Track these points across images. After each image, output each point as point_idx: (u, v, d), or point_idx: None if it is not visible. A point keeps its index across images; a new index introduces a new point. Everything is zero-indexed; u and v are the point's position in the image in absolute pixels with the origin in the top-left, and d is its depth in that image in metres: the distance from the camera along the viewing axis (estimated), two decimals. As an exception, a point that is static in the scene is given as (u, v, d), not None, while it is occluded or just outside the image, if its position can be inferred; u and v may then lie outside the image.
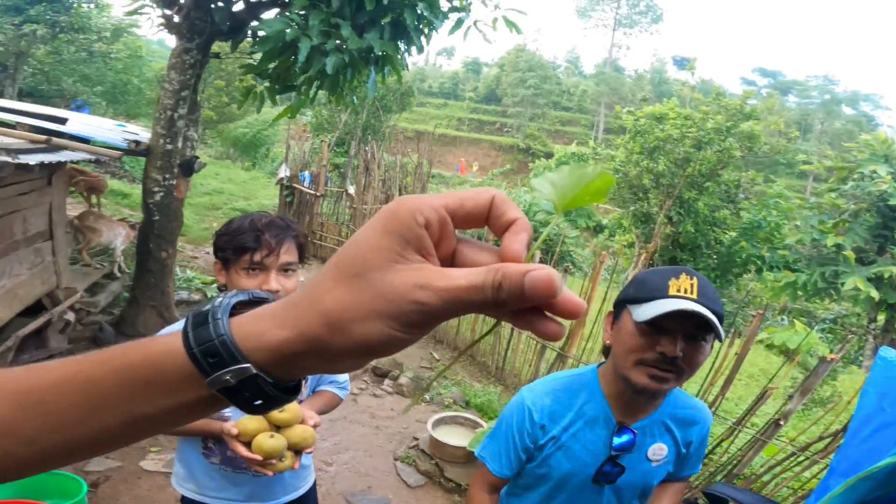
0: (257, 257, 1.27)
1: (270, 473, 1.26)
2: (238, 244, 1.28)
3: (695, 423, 1.24)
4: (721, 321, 1.06)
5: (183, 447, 1.44)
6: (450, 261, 0.32)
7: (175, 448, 1.55)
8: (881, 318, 10.23)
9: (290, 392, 0.33)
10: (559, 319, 0.31)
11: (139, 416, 0.32)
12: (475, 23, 4.08)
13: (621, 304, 1.15)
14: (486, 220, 0.32)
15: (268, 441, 1.24)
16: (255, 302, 0.35)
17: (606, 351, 1.21)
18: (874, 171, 10.05)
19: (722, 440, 2.99)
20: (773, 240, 12.49)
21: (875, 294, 9.07)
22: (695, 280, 1.08)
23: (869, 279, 9.30)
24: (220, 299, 0.34)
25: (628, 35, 56.31)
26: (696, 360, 1.07)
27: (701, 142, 12.52)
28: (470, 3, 4.09)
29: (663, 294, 1.05)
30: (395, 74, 4.14)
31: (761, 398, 2.80)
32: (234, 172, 15.99)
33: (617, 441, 1.15)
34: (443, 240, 0.31)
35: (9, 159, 2.49)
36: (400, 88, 16.57)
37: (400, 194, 7.42)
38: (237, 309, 0.34)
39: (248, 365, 0.30)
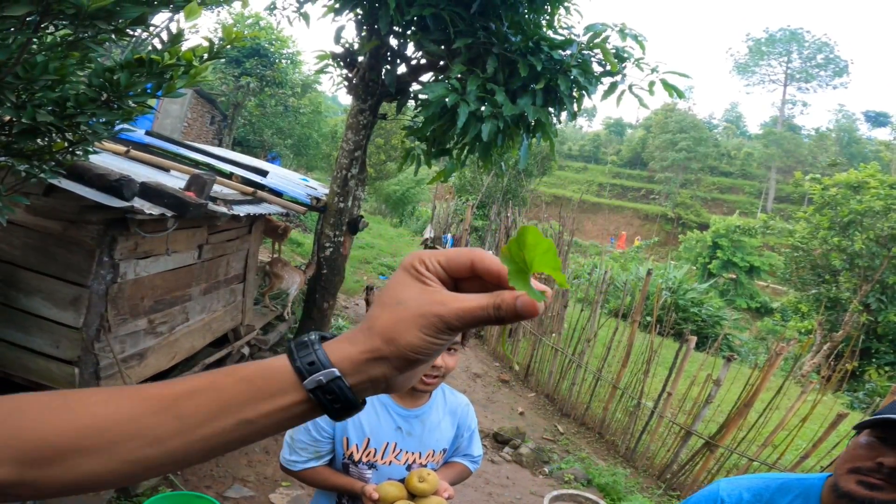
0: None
1: None
2: None
3: None
4: None
5: (318, 499, 1.50)
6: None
7: (302, 488, 1.60)
8: None
9: (359, 406, 0.44)
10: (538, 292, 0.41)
11: (248, 420, 0.42)
12: (630, 87, 3.94)
13: (864, 425, 1.09)
14: (473, 273, 0.43)
15: None
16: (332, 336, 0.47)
17: None
18: None
19: None
20: None
21: None
22: None
23: None
24: (311, 335, 0.45)
25: (804, 90, 50.28)
26: None
27: (914, 216, 10.23)
28: (625, 67, 3.98)
29: None
30: (547, 140, 4.15)
31: None
32: (383, 228, 17.47)
33: None
34: (451, 277, 0.44)
35: (226, 210, 3.00)
36: (542, 153, 16.80)
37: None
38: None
39: (334, 369, 0.42)
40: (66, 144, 1.36)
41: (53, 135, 1.30)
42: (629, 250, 24.68)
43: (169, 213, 2.22)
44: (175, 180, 3.02)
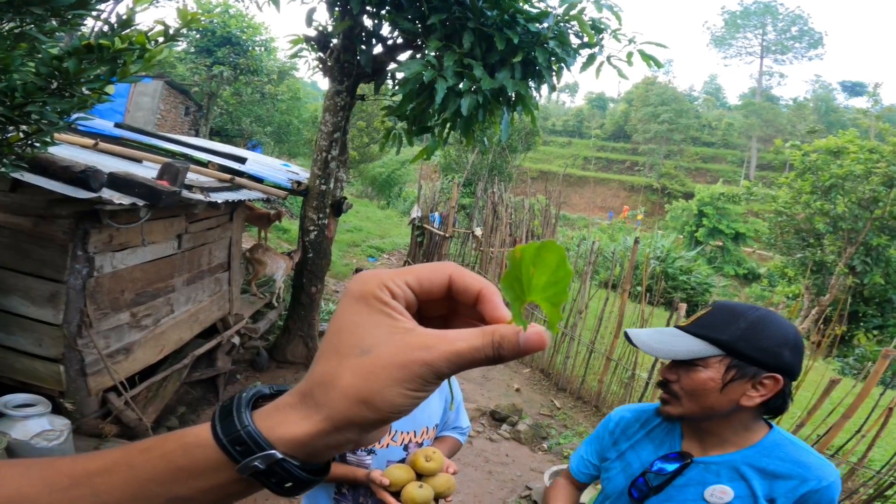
0: None
1: None
2: None
3: (786, 477, 1.07)
4: (736, 350, 1.05)
5: (315, 490, 1.46)
6: (440, 320, 0.38)
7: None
8: None
9: (319, 473, 0.36)
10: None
11: (177, 498, 0.35)
12: (608, 58, 3.91)
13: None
14: (449, 295, 0.36)
15: (418, 491, 1.26)
16: (274, 395, 0.38)
17: None
18: None
19: None
20: None
21: None
22: (707, 310, 1.13)
23: None
24: (243, 393, 0.37)
25: (780, 62, 51.00)
26: (687, 385, 1.09)
27: (893, 178, 10.40)
28: (602, 39, 3.94)
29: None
30: (528, 114, 4.11)
31: None
32: (371, 210, 17.37)
33: (660, 464, 1.15)
34: (421, 305, 0.36)
35: (202, 197, 2.94)
36: (525, 128, 16.74)
37: (527, 238, 7.37)
38: (260, 402, 0.37)
39: (274, 451, 0.33)
40: (21, 136, 1.31)
41: (8, 126, 1.25)
42: (630, 220, 24.88)
43: (141, 203, 2.17)
44: (148, 170, 2.94)
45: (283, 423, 0.34)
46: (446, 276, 0.35)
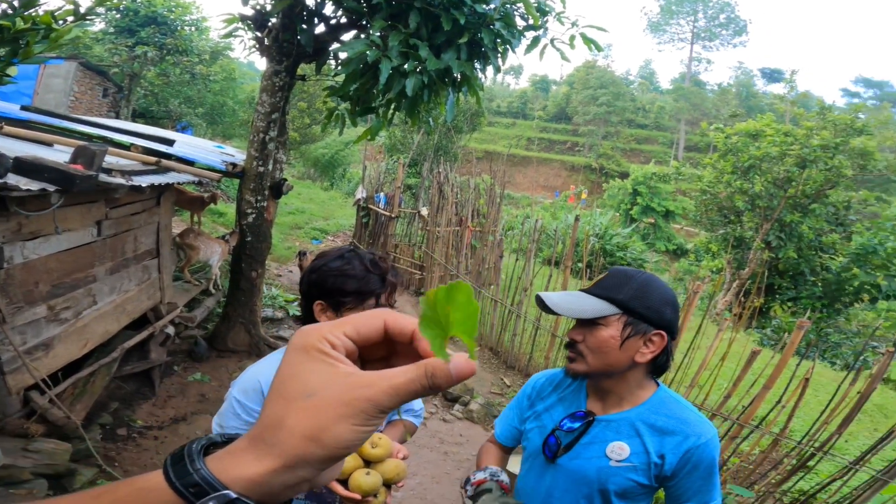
0: (383, 300, 1.27)
1: None
2: (367, 288, 1.25)
3: (671, 433, 1.16)
4: (631, 309, 1.15)
5: None
6: (382, 362, 0.40)
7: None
8: None
9: None
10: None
11: None
12: (552, 41, 3.97)
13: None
14: (386, 339, 0.39)
15: (365, 479, 1.23)
16: (225, 443, 0.39)
17: None
18: None
19: (833, 479, 2.77)
20: (890, 266, 11.03)
21: None
22: (605, 275, 1.22)
23: None
24: (193, 442, 0.38)
25: (708, 48, 53.78)
26: (592, 343, 1.17)
27: (805, 160, 11.38)
28: (546, 21, 3.99)
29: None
30: (474, 95, 4.11)
31: (888, 437, 2.54)
32: (314, 192, 16.86)
33: (568, 423, 1.24)
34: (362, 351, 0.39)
35: (123, 181, 2.71)
36: (471, 109, 16.77)
37: (473, 217, 7.42)
38: (211, 450, 0.38)
39: (228, 491, 0.34)
40: None
41: None
42: (575, 199, 25.70)
43: (51, 188, 1.97)
44: (59, 154, 2.67)
45: (236, 464, 0.35)
46: (381, 322, 0.38)
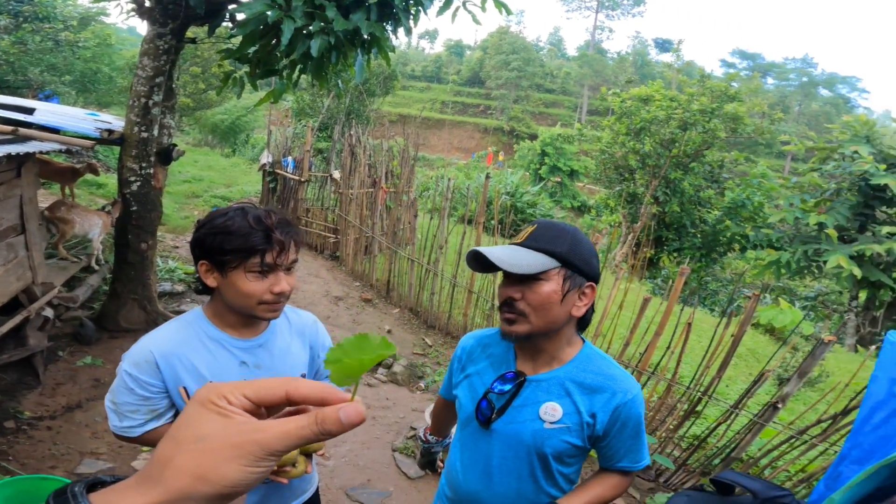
0: (269, 259, 1.14)
1: (285, 481, 1.17)
2: (248, 245, 1.12)
3: (600, 391, 1.14)
4: (569, 261, 1.10)
5: None
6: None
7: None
8: (862, 295, 10.49)
9: None
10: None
11: None
12: (464, 3, 3.93)
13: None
14: (289, 404, 0.41)
15: None
16: (112, 481, 0.40)
17: None
18: (856, 152, 10.20)
19: (719, 423, 2.96)
20: (756, 219, 12.65)
21: (857, 272, 9.26)
22: (534, 227, 1.14)
23: (851, 257, 9.49)
24: (77, 483, 0.38)
25: (611, 18, 56.41)
26: (533, 301, 1.10)
27: (686, 123, 12.57)
28: (459, -17, 3.93)
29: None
30: (384, 57, 3.98)
31: (759, 381, 2.76)
32: (213, 159, 15.56)
33: (499, 386, 1.19)
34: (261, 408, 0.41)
35: (-28, 151, 2.31)
36: (384, 72, 16.22)
37: (387, 178, 7.32)
38: (98, 488, 0.39)
39: None
40: None
41: None
42: (493, 165, 26.16)
43: None
44: None
45: (119, 500, 0.36)
46: (283, 392, 0.40)
